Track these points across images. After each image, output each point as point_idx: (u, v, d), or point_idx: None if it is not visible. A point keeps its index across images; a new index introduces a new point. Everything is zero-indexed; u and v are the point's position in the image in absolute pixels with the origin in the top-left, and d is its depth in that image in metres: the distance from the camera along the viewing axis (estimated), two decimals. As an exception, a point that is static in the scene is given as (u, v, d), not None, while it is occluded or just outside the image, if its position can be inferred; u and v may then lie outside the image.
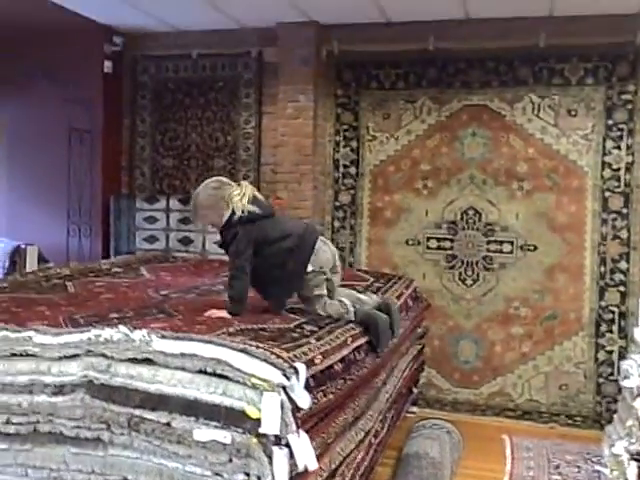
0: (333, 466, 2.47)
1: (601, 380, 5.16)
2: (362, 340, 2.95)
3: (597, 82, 5.11)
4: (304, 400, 1.99)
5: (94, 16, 5.58)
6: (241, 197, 3.09)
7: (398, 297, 4.15)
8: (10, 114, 5.72)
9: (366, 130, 5.62)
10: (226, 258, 5.28)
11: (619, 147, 5.09)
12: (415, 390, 4.93)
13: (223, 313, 2.90)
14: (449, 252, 5.47)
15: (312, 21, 5.47)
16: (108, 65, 5.78)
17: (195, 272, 4.55)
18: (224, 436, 1.94)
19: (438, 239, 5.50)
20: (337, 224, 5.75)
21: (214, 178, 3.27)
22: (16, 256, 5.22)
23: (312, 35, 5.51)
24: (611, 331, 5.15)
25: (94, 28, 5.70)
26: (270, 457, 1.93)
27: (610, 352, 5.15)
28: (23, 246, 5.25)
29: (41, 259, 5.30)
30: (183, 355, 2.02)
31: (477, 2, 4.87)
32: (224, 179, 3.26)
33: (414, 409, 5.07)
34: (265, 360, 2.02)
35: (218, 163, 5.95)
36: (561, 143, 5.21)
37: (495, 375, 5.39)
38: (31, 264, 5.17)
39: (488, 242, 5.39)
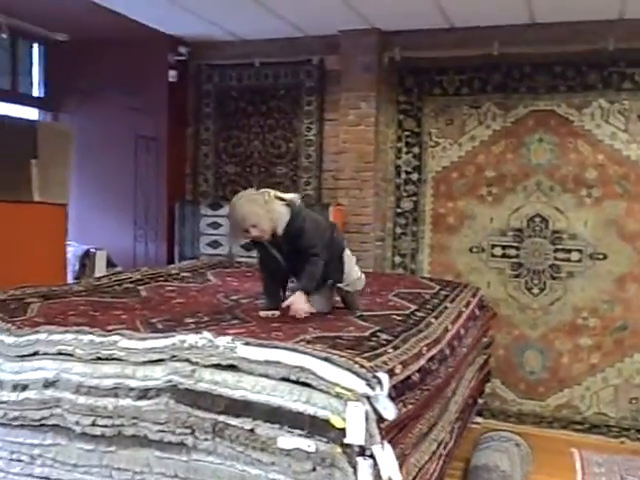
0: (410, 478, 2.43)
1: (674, 394, 4.98)
2: (436, 349, 2.91)
3: (670, 85, 4.96)
4: (390, 411, 1.97)
5: (160, 27, 5.71)
6: (281, 194, 3.11)
7: (466, 305, 4.10)
8: (78, 123, 5.87)
9: (429, 136, 5.57)
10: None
11: (693, 152, 4.92)
12: (480, 400, 4.84)
13: (299, 300, 2.96)
14: (515, 260, 5.37)
15: (374, 28, 5.46)
16: (173, 74, 5.89)
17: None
18: (308, 445, 1.93)
19: (503, 247, 5.40)
20: (399, 230, 5.70)
21: (242, 192, 3.13)
22: (86, 260, 5.35)
23: (374, 42, 5.50)
24: (685, 342, 4.97)
25: (160, 38, 5.83)
26: (354, 467, 1.91)
27: (684, 365, 4.97)
28: (93, 250, 5.38)
29: (109, 263, 5.42)
30: (267, 362, 2.02)
31: (543, 6, 4.78)
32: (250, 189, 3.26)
33: (478, 420, 4.98)
34: (349, 369, 2.00)
35: (280, 170, 5.99)
36: (631, 149, 5.06)
37: (562, 387, 5.25)
38: (100, 268, 5.30)
39: (555, 250, 5.27)
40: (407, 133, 5.64)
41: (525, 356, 5.36)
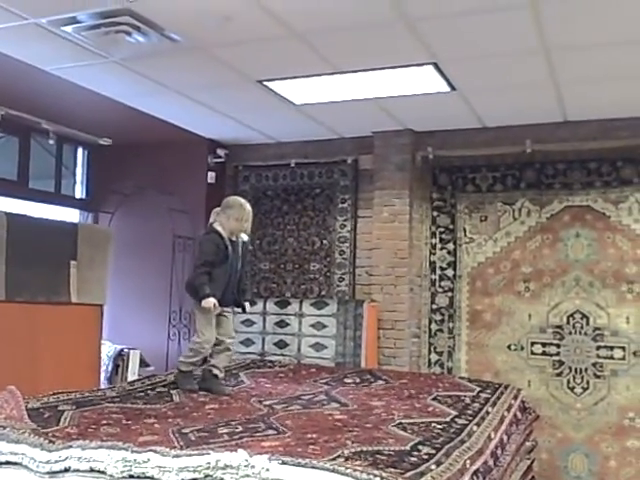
0: None
1: None
2: (480, 461, 2.77)
3: None
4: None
5: (201, 131, 5.94)
6: None
7: (508, 409, 3.94)
8: (117, 223, 6.03)
9: (463, 232, 5.57)
10: (323, 363, 5.28)
11: None
12: (525, 510, 4.56)
13: None
14: (555, 358, 5.21)
15: (407, 129, 5.58)
16: (211, 175, 6.07)
17: (294, 378, 4.50)
18: None
19: (543, 344, 5.26)
20: (434, 327, 5.61)
21: (236, 197, 4.11)
22: (119, 360, 5.35)
23: (407, 142, 5.62)
24: None
25: (200, 142, 6.06)
26: None
27: None
28: (126, 350, 5.38)
29: (142, 363, 5.40)
30: (305, 484, 1.94)
31: (575, 105, 4.86)
32: None
33: (525, 531, 4.68)
34: (391, 493, 1.90)
35: (314, 266, 6.01)
36: (672, 243, 4.98)
37: (611, 493, 4.96)
38: (133, 368, 5.28)
39: (598, 347, 5.11)
40: (441, 229, 5.64)
41: (570, 459, 5.11)
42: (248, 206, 3.94)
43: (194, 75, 4.50)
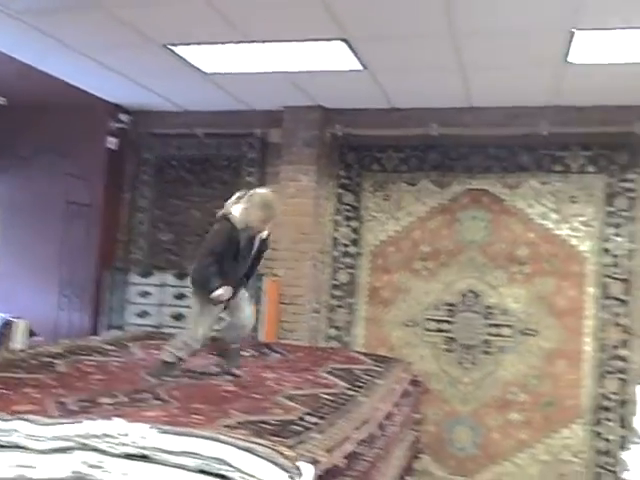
0: None
1: (601, 471, 4.98)
2: (365, 431, 2.83)
3: (598, 170, 5.17)
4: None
5: (101, 94, 5.68)
6: None
7: (397, 382, 4.04)
8: (7, 186, 5.72)
9: (366, 210, 5.64)
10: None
11: (619, 234, 5.10)
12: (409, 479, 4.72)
13: None
14: (448, 334, 5.39)
15: (317, 105, 5.57)
16: (112, 141, 5.83)
17: (189, 351, 4.43)
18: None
19: (437, 321, 5.42)
20: (334, 302, 5.67)
21: (267, 191, 3.64)
22: (5, 329, 5.10)
23: (317, 118, 5.61)
24: (610, 419, 5.01)
25: (102, 106, 5.80)
26: None
27: (610, 441, 5.00)
28: (12, 320, 5.14)
29: (31, 333, 5.18)
30: (184, 453, 1.91)
31: (481, 91, 4.99)
32: None
33: (410, 499, 4.85)
34: (271, 460, 1.91)
35: (217, 239, 5.92)
36: (562, 228, 5.23)
37: (491, 463, 5.20)
38: (20, 338, 5.05)
39: (488, 325, 5.32)
40: (346, 207, 5.69)
41: (455, 432, 5.32)
42: (277, 209, 3.52)
43: (96, 35, 4.30)
